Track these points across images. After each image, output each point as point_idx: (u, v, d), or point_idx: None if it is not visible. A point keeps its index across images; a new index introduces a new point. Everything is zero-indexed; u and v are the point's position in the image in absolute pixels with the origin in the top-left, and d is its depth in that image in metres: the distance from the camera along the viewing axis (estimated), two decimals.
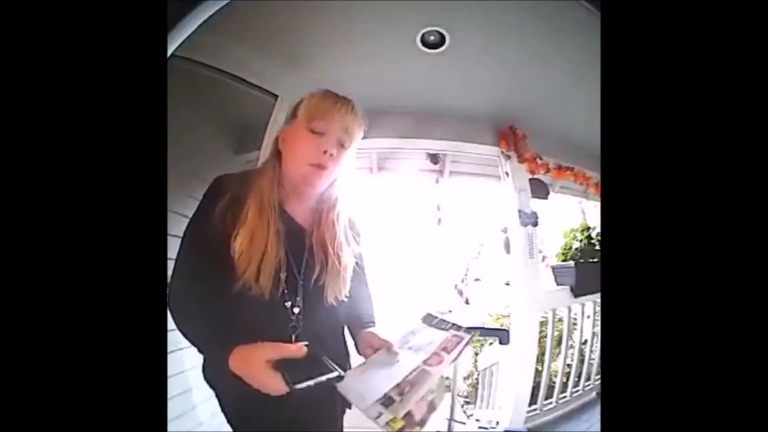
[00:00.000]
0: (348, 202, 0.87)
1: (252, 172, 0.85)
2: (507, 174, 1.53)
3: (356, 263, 0.88)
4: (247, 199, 0.79)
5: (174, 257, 0.78)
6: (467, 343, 0.81)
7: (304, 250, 0.83)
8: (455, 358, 0.80)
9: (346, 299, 0.84)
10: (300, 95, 0.86)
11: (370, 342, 0.85)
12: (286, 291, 0.79)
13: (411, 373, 0.77)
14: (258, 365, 0.69)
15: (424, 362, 0.79)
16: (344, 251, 0.85)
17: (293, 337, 0.79)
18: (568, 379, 1.54)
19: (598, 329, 1.54)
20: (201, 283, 0.77)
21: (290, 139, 0.84)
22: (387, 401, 0.72)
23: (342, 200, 0.86)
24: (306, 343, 0.72)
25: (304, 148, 0.81)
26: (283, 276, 0.79)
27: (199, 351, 0.77)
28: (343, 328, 0.89)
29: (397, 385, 0.74)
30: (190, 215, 0.80)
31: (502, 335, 1.06)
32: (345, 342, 0.89)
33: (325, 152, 0.80)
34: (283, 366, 0.68)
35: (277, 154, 0.85)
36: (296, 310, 0.80)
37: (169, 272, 0.75)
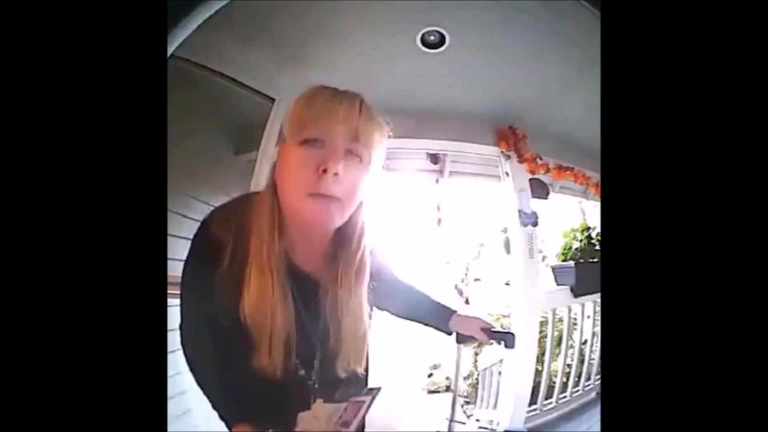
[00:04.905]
0: (376, 241, 0.67)
1: (246, 212, 0.65)
2: (507, 174, 1.53)
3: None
4: (248, 251, 0.63)
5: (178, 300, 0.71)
6: (369, 407, 0.66)
7: (319, 311, 0.67)
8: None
9: (364, 372, 0.71)
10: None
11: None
12: (298, 362, 0.66)
13: None
14: None
15: None
16: (364, 317, 0.68)
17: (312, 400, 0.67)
18: (568, 379, 1.54)
19: (598, 329, 1.54)
20: (217, 351, 0.67)
21: (281, 164, 0.64)
22: None
23: (367, 241, 0.67)
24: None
25: (297, 170, 0.60)
26: (294, 343, 0.64)
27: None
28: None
29: None
30: (191, 215, 0.79)
31: (508, 339, 1.01)
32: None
33: (324, 171, 0.58)
34: None
35: (273, 187, 0.64)
36: (313, 378, 0.67)
37: (171, 272, 0.75)
